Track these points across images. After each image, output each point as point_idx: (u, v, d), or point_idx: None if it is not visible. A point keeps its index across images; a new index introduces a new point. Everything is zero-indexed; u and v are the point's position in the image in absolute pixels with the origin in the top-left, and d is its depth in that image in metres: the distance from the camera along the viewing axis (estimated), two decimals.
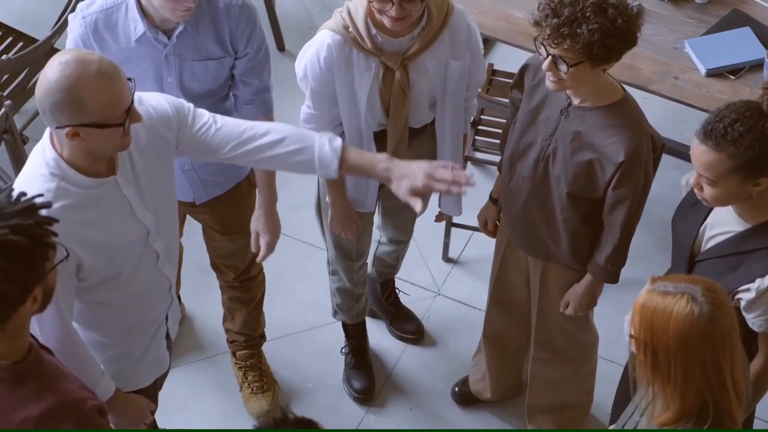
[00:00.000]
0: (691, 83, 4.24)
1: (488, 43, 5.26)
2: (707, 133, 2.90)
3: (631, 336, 2.60)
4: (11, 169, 4.51)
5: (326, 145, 3.07)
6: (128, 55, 3.34)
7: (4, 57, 4.36)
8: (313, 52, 3.54)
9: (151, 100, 3.03)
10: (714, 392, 2.57)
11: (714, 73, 4.25)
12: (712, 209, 3.14)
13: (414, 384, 4.48)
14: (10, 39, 4.87)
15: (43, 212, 2.51)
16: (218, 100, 3.57)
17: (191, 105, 3.11)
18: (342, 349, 4.45)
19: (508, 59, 5.03)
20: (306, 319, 4.60)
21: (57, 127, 2.79)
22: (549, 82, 3.26)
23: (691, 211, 3.21)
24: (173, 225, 3.19)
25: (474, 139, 4.55)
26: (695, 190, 3.04)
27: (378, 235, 4.31)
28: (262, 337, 4.38)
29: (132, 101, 2.82)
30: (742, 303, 3.05)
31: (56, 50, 4.75)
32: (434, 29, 3.52)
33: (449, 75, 3.62)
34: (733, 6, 4.47)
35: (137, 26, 3.35)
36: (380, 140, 3.70)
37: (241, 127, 3.10)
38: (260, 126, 3.11)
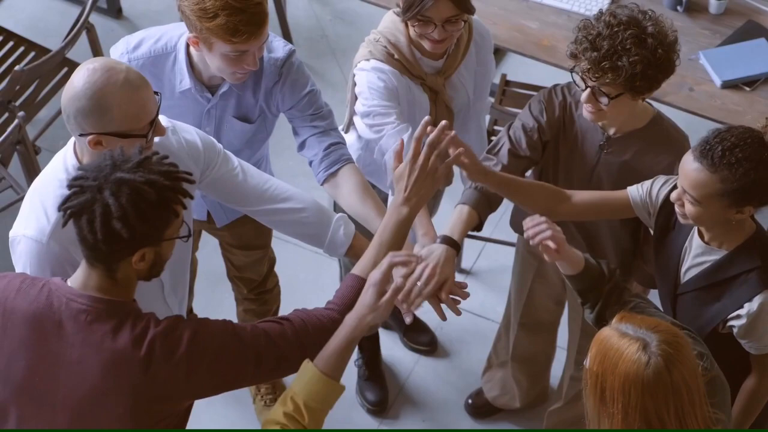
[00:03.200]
0: (706, 95, 4.23)
1: (500, 53, 5.26)
2: (704, 152, 2.83)
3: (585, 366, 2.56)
4: (24, 180, 4.50)
5: (341, 229, 3.14)
6: (169, 104, 3.30)
7: (16, 68, 4.36)
8: (370, 77, 3.46)
9: (184, 132, 3.03)
10: None
11: (729, 85, 4.24)
12: (685, 242, 3.10)
13: (427, 395, 4.47)
14: (22, 49, 4.87)
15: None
16: (253, 155, 3.56)
17: (222, 147, 3.11)
18: (355, 361, 4.44)
19: (520, 69, 5.03)
20: None
21: (80, 135, 2.78)
22: (587, 113, 3.18)
23: (666, 243, 3.17)
24: (184, 256, 3.14)
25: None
26: (676, 206, 2.97)
27: None
28: None
29: (157, 113, 2.81)
30: (735, 330, 3.02)
31: (68, 61, 4.75)
32: (463, 43, 3.52)
33: (477, 81, 3.64)
34: (748, 17, 4.46)
35: (183, 80, 3.31)
36: None
37: (266, 185, 3.14)
38: (284, 189, 3.16)
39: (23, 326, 2.63)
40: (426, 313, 4.60)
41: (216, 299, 4.57)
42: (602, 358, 2.50)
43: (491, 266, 4.80)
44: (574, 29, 3.16)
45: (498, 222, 4.73)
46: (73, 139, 2.89)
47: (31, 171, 4.41)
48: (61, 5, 5.66)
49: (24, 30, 5.04)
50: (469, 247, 4.77)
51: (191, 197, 2.63)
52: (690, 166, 2.86)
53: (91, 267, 2.61)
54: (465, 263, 4.81)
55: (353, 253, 3.16)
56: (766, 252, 2.97)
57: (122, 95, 2.72)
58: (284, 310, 4.30)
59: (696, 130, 4.94)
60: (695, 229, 3.07)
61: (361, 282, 2.80)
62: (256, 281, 4.07)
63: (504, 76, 4.68)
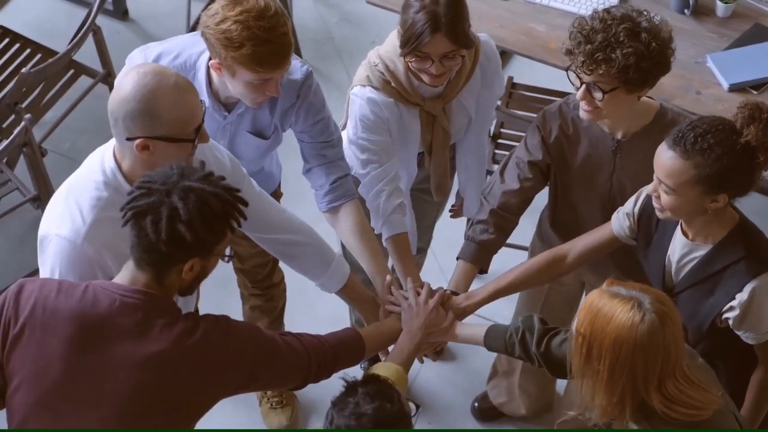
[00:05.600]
0: (714, 98, 4.23)
1: (507, 56, 5.25)
2: (677, 140, 2.87)
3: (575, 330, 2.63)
4: (30, 182, 4.50)
5: (339, 269, 3.35)
6: None
7: (23, 70, 4.36)
8: (363, 108, 3.48)
9: (216, 150, 3.08)
10: (637, 395, 2.60)
11: (736, 88, 4.23)
12: (670, 244, 3.12)
13: (433, 399, 4.47)
14: (28, 51, 4.87)
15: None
16: (265, 160, 3.62)
17: (246, 173, 3.18)
18: (361, 363, 4.43)
19: (527, 72, 5.02)
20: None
21: (128, 138, 2.78)
22: (583, 112, 3.19)
23: (651, 249, 3.19)
24: None
25: (493, 153, 4.53)
26: (653, 199, 3.01)
27: None
28: None
29: (203, 120, 2.83)
30: (731, 322, 3.03)
31: (75, 63, 4.76)
32: (467, 69, 3.50)
33: (481, 103, 3.63)
34: (755, 20, 4.46)
35: (201, 98, 3.31)
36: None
37: (281, 215, 3.28)
38: (295, 221, 3.31)
39: (69, 324, 2.65)
40: None
41: (223, 301, 4.56)
42: (593, 318, 2.58)
43: (498, 269, 4.72)
44: (569, 27, 3.17)
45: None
46: (111, 142, 2.89)
47: (38, 173, 4.41)
48: (68, 7, 5.66)
49: (30, 32, 5.04)
50: None
51: (245, 218, 2.69)
52: (664, 154, 2.90)
53: (140, 269, 2.66)
54: None
55: (346, 293, 3.39)
56: (749, 241, 3.00)
57: (172, 98, 2.75)
58: (291, 311, 4.31)
59: None
60: (678, 229, 3.09)
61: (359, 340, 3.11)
62: (261, 274, 4.07)
63: (511, 78, 4.68)
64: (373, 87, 3.47)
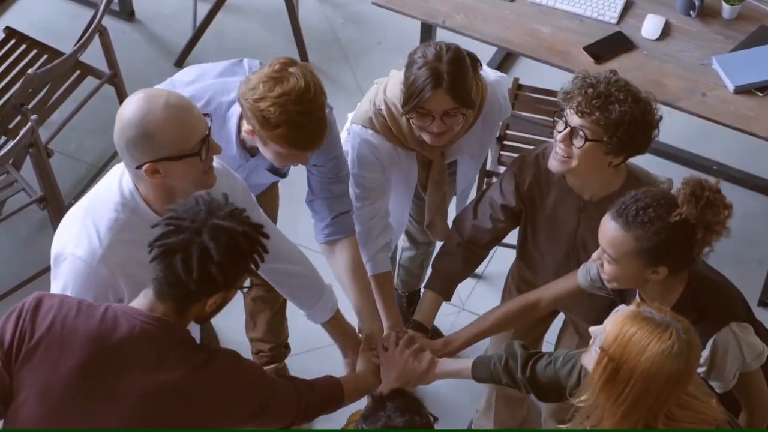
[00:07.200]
0: (719, 100, 4.22)
1: (512, 57, 5.26)
2: (620, 212, 2.92)
3: (601, 348, 2.62)
4: (36, 183, 4.51)
5: (329, 301, 3.45)
6: None
7: (30, 71, 4.37)
8: (362, 147, 3.53)
9: (229, 176, 3.10)
10: (650, 417, 2.61)
11: (742, 90, 4.23)
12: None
13: (437, 399, 4.47)
14: (35, 52, 4.87)
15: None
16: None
17: (255, 201, 3.22)
18: None
19: (532, 74, 5.02)
20: None
21: (137, 167, 2.79)
22: (553, 160, 3.22)
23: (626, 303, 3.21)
24: None
25: (499, 154, 4.53)
26: (597, 266, 3.07)
27: (401, 240, 4.31)
28: (287, 348, 4.38)
29: (209, 132, 2.82)
30: (701, 376, 3.05)
31: (81, 64, 4.76)
32: (470, 120, 3.51)
33: (481, 143, 3.68)
34: (760, 22, 4.45)
35: (229, 146, 3.32)
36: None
37: (281, 245, 3.31)
38: (293, 250, 3.38)
39: (86, 346, 2.65)
40: (437, 317, 4.61)
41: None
42: (625, 342, 2.57)
43: (502, 271, 4.74)
44: (572, 78, 3.20)
45: None
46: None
47: (44, 174, 4.41)
48: (74, 8, 5.66)
49: (36, 33, 5.04)
50: None
51: (267, 252, 2.70)
52: (608, 225, 2.95)
53: (160, 300, 2.67)
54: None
55: (330, 325, 3.48)
56: (701, 304, 3.02)
57: (165, 118, 2.75)
58: (295, 310, 4.27)
59: (708, 135, 4.98)
60: (638, 292, 3.12)
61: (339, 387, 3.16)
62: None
63: (516, 80, 4.68)
64: (374, 130, 3.51)
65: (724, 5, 4.45)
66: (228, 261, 2.58)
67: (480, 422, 4.31)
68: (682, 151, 5.09)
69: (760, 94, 4.23)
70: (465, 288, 4.74)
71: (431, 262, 3.64)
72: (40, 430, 2.69)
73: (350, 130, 3.59)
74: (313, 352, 4.52)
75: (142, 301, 2.69)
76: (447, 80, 3.28)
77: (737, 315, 3.04)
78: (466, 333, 3.53)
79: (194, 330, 3.19)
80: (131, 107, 2.77)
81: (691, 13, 4.47)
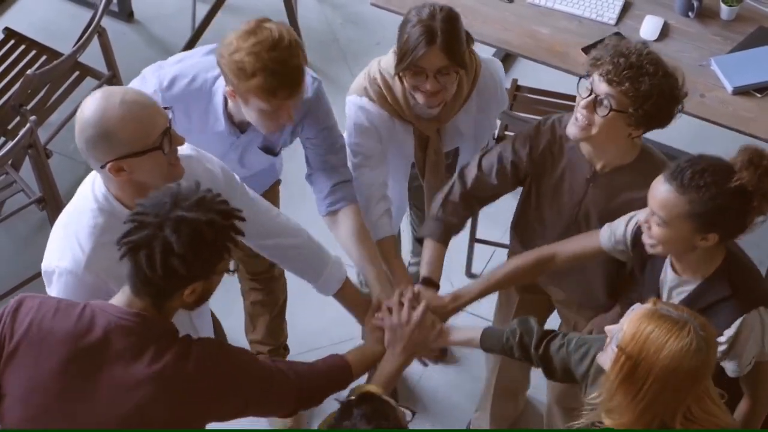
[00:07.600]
0: (718, 101, 4.23)
1: (511, 58, 5.26)
2: (674, 174, 2.89)
3: (618, 347, 2.61)
4: (35, 183, 4.51)
5: (336, 272, 3.37)
6: (198, 137, 3.29)
7: (28, 72, 4.37)
8: (357, 114, 3.54)
9: (207, 162, 3.07)
10: (667, 415, 2.61)
11: (740, 91, 4.23)
12: (662, 272, 3.13)
13: (435, 401, 4.47)
14: (34, 52, 4.88)
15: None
16: (270, 167, 3.70)
17: (240, 181, 3.19)
18: None
19: (531, 75, 5.02)
20: (331, 335, 4.58)
21: (101, 167, 2.79)
22: (573, 126, 3.18)
23: (646, 273, 3.20)
24: None
25: None
26: (644, 231, 3.01)
27: (408, 255, 4.31)
28: (286, 349, 4.39)
29: (169, 125, 2.81)
30: (717, 355, 3.02)
31: (80, 65, 4.76)
32: (464, 93, 3.52)
33: (477, 126, 3.66)
34: (759, 23, 4.46)
35: (217, 122, 3.34)
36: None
37: (274, 220, 3.28)
38: (288, 224, 3.32)
39: (63, 346, 2.65)
40: None
41: (228, 302, 4.57)
42: (643, 339, 2.56)
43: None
44: (603, 43, 3.16)
45: (509, 226, 4.72)
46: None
47: (43, 175, 4.42)
48: (73, 8, 5.67)
49: (35, 33, 5.05)
50: (480, 252, 4.77)
51: (243, 234, 2.68)
52: (661, 187, 2.91)
53: (137, 297, 2.66)
54: (475, 268, 4.80)
55: (341, 296, 3.40)
56: (736, 280, 3.01)
57: (121, 115, 2.74)
58: (296, 311, 4.32)
59: (707, 136, 4.97)
60: (668, 262, 3.09)
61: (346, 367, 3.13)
62: (260, 266, 4.08)
63: (515, 81, 4.68)
64: (369, 98, 3.51)
65: (723, 6, 4.46)
66: (191, 253, 2.55)
67: (478, 422, 4.31)
68: (680, 152, 5.09)
69: (759, 95, 4.24)
70: None
71: (429, 210, 3.58)
72: (33, 430, 2.69)
73: (347, 102, 3.59)
74: (312, 353, 4.52)
75: (121, 297, 2.69)
76: (441, 38, 3.29)
77: (767, 300, 3.02)
78: (476, 287, 3.46)
79: (207, 328, 3.24)
80: (89, 107, 2.76)
81: (690, 14, 4.48)
